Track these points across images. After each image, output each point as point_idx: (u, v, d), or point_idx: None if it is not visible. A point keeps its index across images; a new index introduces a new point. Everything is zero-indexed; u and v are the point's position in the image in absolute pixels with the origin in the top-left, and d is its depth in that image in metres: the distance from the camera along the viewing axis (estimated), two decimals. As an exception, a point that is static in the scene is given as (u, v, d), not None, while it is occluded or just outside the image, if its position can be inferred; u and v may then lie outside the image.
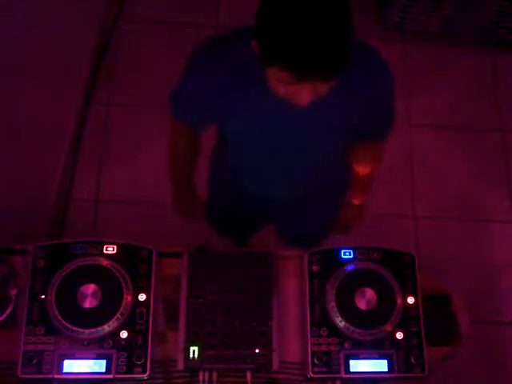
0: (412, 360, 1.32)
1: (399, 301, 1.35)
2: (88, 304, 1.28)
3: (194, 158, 1.50)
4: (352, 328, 1.31)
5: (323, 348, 1.32)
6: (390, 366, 1.31)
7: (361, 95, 1.16)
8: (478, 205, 2.59)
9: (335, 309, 1.33)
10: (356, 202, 1.64)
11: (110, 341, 1.28)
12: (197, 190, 1.65)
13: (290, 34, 0.92)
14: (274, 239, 2.14)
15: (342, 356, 1.31)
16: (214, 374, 1.30)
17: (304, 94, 1.02)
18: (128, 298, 1.30)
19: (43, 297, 1.29)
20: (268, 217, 1.75)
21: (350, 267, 1.37)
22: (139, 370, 1.26)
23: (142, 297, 1.32)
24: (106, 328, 1.27)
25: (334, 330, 1.32)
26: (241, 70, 1.11)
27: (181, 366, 1.29)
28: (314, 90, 1.02)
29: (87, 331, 1.27)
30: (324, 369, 1.30)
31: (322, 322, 1.33)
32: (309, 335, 1.32)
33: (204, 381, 1.29)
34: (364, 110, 1.20)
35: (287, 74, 0.96)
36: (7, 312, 1.30)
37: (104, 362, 1.26)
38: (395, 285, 1.36)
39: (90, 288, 1.29)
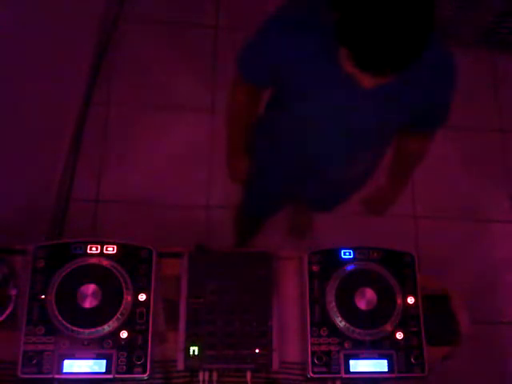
0: (412, 360, 1.32)
1: (399, 301, 1.35)
2: (88, 304, 1.28)
3: (254, 117, 1.51)
4: (352, 328, 1.31)
5: (323, 348, 1.32)
6: (390, 366, 1.31)
7: (424, 91, 1.22)
8: (477, 205, 2.59)
9: (335, 309, 1.33)
10: (391, 187, 1.67)
11: (109, 341, 1.28)
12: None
13: (365, 31, 0.98)
14: (273, 239, 2.15)
15: (341, 356, 1.31)
16: (214, 374, 1.30)
17: (366, 81, 1.10)
18: (128, 298, 1.30)
19: (43, 297, 1.29)
20: (302, 189, 1.78)
21: (350, 267, 1.37)
22: (139, 370, 1.26)
23: (142, 297, 1.32)
24: (106, 328, 1.27)
25: (333, 330, 1.32)
26: (319, 40, 1.15)
27: (181, 366, 1.30)
28: (375, 80, 1.09)
29: (87, 331, 1.27)
30: (324, 369, 1.30)
31: (322, 321, 1.33)
32: (309, 335, 1.32)
33: (204, 381, 1.29)
34: (422, 103, 1.25)
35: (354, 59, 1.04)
36: (7, 312, 1.30)
37: (104, 362, 1.26)
38: (395, 285, 1.36)
39: (90, 288, 1.29)
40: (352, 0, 0.98)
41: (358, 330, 1.32)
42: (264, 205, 1.99)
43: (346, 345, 1.32)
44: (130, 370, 1.26)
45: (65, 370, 1.25)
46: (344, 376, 1.31)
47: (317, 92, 1.25)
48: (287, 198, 1.94)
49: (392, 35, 0.97)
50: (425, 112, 1.30)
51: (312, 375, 1.30)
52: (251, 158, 1.66)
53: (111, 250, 1.35)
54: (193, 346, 1.30)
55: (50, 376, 1.25)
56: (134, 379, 1.28)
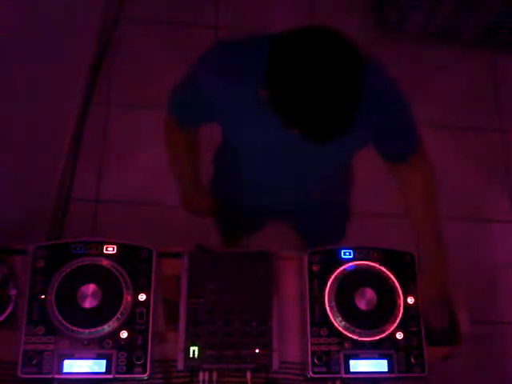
0: (412, 360, 1.32)
1: (399, 301, 1.35)
2: (88, 304, 1.28)
3: (196, 153, 1.51)
4: (352, 328, 1.31)
5: (323, 348, 1.32)
6: (390, 365, 1.31)
7: (370, 115, 1.12)
8: (477, 205, 2.59)
9: (335, 309, 1.32)
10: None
11: (109, 341, 1.28)
12: (202, 182, 1.64)
13: (298, 109, 0.97)
14: (274, 239, 2.14)
15: (341, 356, 1.31)
16: (214, 374, 1.30)
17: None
18: (128, 298, 1.30)
19: (43, 297, 1.29)
20: (271, 215, 1.74)
21: (350, 267, 1.37)
22: (139, 369, 1.26)
23: (142, 297, 1.32)
24: (106, 328, 1.27)
25: (333, 330, 1.32)
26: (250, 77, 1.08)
27: (181, 366, 1.29)
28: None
29: (87, 331, 1.27)
30: (324, 369, 1.30)
31: (322, 321, 1.33)
32: (309, 335, 1.32)
33: (204, 381, 1.29)
34: (372, 127, 1.20)
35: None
36: (7, 312, 1.30)
37: (104, 361, 1.26)
38: (395, 285, 1.36)
39: (90, 288, 1.29)
40: (282, 80, 0.96)
41: (358, 330, 1.32)
42: (237, 231, 1.97)
43: (346, 345, 1.32)
44: (129, 370, 1.26)
45: (65, 370, 1.25)
46: (344, 376, 1.30)
47: (260, 136, 1.19)
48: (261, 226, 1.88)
49: (325, 109, 0.95)
50: (385, 138, 1.26)
51: (312, 375, 1.30)
52: (214, 197, 1.65)
53: (111, 250, 1.35)
54: (193, 346, 1.30)
55: (50, 376, 1.25)
56: (133, 379, 1.28)
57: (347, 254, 1.39)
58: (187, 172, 1.57)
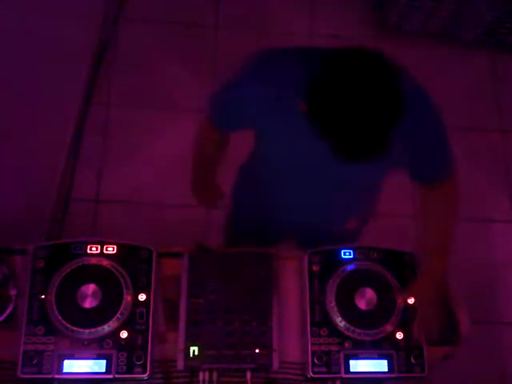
0: (412, 360, 1.32)
1: (399, 301, 1.35)
2: (88, 304, 1.28)
3: (222, 153, 1.50)
4: (352, 328, 1.31)
5: (323, 348, 1.32)
6: (390, 365, 1.31)
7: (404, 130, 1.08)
8: (477, 205, 2.59)
9: (335, 309, 1.33)
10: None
11: (109, 341, 1.28)
12: (217, 180, 1.64)
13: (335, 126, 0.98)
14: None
15: (342, 356, 1.31)
16: (214, 374, 1.30)
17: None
18: (128, 298, 1.30)
19: (43, 297, 1.29)
20: (289, 231, 1.70)
21: (349, 267, 1.37)
22: (139, 370, 1.26)
23: (142, 297, 1.32)
24: (106, 328, 1.27)
25: (334, 330, 1.32)
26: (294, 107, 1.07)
27: (181, 365, 1.29)
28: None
29: (87, 331, 1.27)
30: (324, 369, 1.30)
31: (322, 321, 1.33)
32: (309, 335, 1.32)
33: (204, 381, 1.29)
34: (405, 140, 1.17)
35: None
36: (7, 312, 1.30)
37: (104, 362, 1.26)
38: (395, 285, 1.36)
39: (90, 288, 1.29)
40: (326, 95, 0.97)
41: (358, 330, 1.32)
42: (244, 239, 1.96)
43: (346, 345, 1.32)
44: (129, 370, 1.26)
45: (65, 370, 1.25)
46: (344, 376, 1.31)
47: (297, 149, 1.19)
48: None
49: (361, 128, 0.97)
50: (419, 157, 1.24)
51: (312, 375, 1.30)
52: (231, 199, 1.64)
53: (111, 250, 1.35)
54: (193, 346, 1.30)
55: (50, 376, 1.25)
56: (134, 379, 1.28)
57: (347, 253, 1.39)
58: (206, 163, 1.56)
